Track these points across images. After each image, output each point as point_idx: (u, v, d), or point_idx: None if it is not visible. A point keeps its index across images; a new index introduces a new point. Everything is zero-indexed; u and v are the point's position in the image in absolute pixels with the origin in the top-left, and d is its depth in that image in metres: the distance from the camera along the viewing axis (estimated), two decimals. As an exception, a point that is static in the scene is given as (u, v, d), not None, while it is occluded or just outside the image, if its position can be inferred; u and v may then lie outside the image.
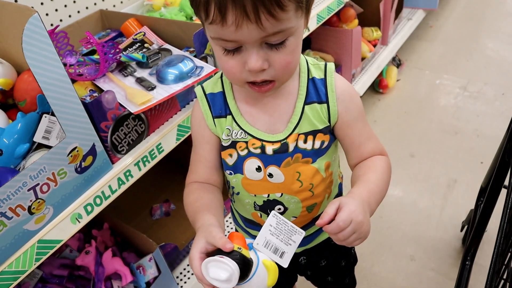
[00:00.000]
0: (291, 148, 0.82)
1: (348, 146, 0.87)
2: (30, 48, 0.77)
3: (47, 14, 1.36)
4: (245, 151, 0.83)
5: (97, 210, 0.99)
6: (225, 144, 0.85)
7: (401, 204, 1.90)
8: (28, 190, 0.84)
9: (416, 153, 2.14)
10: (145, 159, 1.07)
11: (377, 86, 2.58)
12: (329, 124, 0.83)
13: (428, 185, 1.97)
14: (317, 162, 0.84)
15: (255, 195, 0.88)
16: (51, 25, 1.38)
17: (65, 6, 1.41)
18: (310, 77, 0.83)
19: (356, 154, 0.87)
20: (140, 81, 1.11)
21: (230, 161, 0.85)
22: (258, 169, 0.84)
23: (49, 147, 0.94)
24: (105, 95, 0.95)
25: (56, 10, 1.38)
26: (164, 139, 1.10)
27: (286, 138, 0.81)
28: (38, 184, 0.86)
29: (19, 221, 0.85)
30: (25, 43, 0.76)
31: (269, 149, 0.82)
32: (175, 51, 1.22)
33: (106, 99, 0.96)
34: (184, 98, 1.17)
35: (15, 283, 0.88)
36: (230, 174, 0.88)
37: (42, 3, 1.34)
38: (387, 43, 2.50)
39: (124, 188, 1.04)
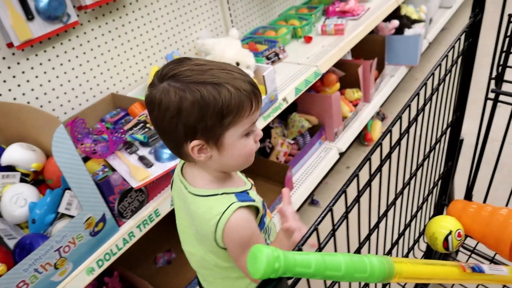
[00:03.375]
0: None
1: None
2: (57, 149, 1.07)
3: (69, 101, 1.68)
4: None
5: (106, 264, 1.27)
6: None
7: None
8: (55, 251, 1.13)
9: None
10: (145, 222, 1.35)
11: (363, 139, 2.85)
12: None
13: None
14: None
15: None
16: (72, 108, 1.70)
17: (83, 93, 1.73)
18: None
19: None
20: (141, 159, 1.40)
21: None
22: None
23: (70, 215, 1.23)
24: (113, 175, 1.25)
25: (76, 97, 1.71)
26: (161, 205, 1.38)
27: None
28: (61, 246, 1.14)
29: (47, 275, 1.13)
30: (54, 146, 1.06)
31: None
32: (171, 131, 1.52)
33: (114, 178, 1.25)
34: (177, 170, 1.46)
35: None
36: None
37: (65, 93, 1.66)
38: (369, 100, 2.79)
39: (128, 246, 1.31)
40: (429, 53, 3.85)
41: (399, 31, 3.14)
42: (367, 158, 0.87)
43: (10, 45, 1.46)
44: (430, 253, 1.61)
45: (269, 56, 2.21)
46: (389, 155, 0.98)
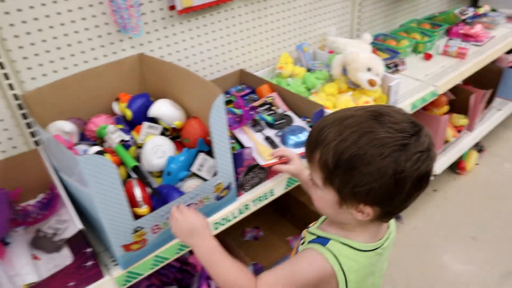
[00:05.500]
0: None
1: None
2: (214, 116, 1.16)
3: (204, 68, 1.80)
4: None
5: (221, 228, 1.37)
6: None
7: (455, 283, 2.13)
8: (186, 205, 1.23)
9: (479, 237, 2.35)
10: (260, 198, 1.43)
11: (455, 167, 2.80)
12: None
13: (483, 271, 2.17)
14: None
15: None
16: (204, 76, 1.82)
17: (217, 63, 1.84)
18: None
19: None
20: (267, 139, 1.48)
21: None
22: None
23: (199, 176, 1.33)
24: (246, 149, 1.33)
25: (211, 66, 1.83)
26: (276, 186, 1.46)
27: None
28: (192, 203, 1.24)
29: (174, 225, 1.24)
30: (213, 112, 1.15)
31: None
32: (296, 119, 1.59)
33: (246, 152, 1.33)
34: (296, 158, 1.53)
35: (161, 264, 1.26)
36: None
37: (202, 60, 1.78)
38: (472, 130, 2.73)
39: (241, 216, 1.41)
40: (539, 94, 3.67)
41: (517, 66, 3.03)
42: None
43: (171, 7, 1.57)
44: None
45: (389, 66, 2.22)
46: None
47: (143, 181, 1.19)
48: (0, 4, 1.23)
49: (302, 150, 1.44)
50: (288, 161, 1.29)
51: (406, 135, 0.82)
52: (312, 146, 0.90)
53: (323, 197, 0.93)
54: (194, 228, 1.05)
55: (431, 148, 0.85)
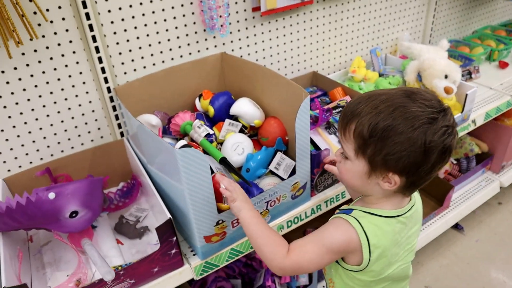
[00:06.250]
0: None
1: None
2: (299, 117, 1.19)
3: (278, 69, 1.84)
4: None
5: (293, 226, 1.40)
6: None
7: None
8: (265, 202, 1.27)
9: (546, 255, 2.27)
10: (331, 199, 1.46)
11: (523, 180, 2.71)
12: None
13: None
14: None
15: None
16: (278, 76, 1.86)
17: (292, 65, 1.88)
18: None
19: None
20: (342, 142, 1.50)
21: None
22: None
23: (275, 174, 1.37)
24: (324, 151, 1.36)
25: (285, 67, 1.86)
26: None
27: None
28: (270, 200, 1.29)
29: (251, 220, 1.28)
30: (299, 113, 1.18)
31: None
32: (369, 123, 1.60)
33: (324, 154, 1.36)
34: (370, 162, 1.54)
35: (236, 258, 1.31)
36: None
37: (278, 61, 1.81)
38: (544, 143, 2.63)
39: (313, 216, 1.44)
40: None
41: None
42: None
43: (255, 9, 1.62)
44: None
45: (462, 73, 2.18)
46: None
47: (232, 171, 1.25)
48: (103, 3, 1.31)
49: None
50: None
51: (435, 110, 0.90)
52: (347, 119, 0.97)
53: (352, 169, 1.00)
54: (246, 195, 1.13)
55: (455, 126, 0.93)
